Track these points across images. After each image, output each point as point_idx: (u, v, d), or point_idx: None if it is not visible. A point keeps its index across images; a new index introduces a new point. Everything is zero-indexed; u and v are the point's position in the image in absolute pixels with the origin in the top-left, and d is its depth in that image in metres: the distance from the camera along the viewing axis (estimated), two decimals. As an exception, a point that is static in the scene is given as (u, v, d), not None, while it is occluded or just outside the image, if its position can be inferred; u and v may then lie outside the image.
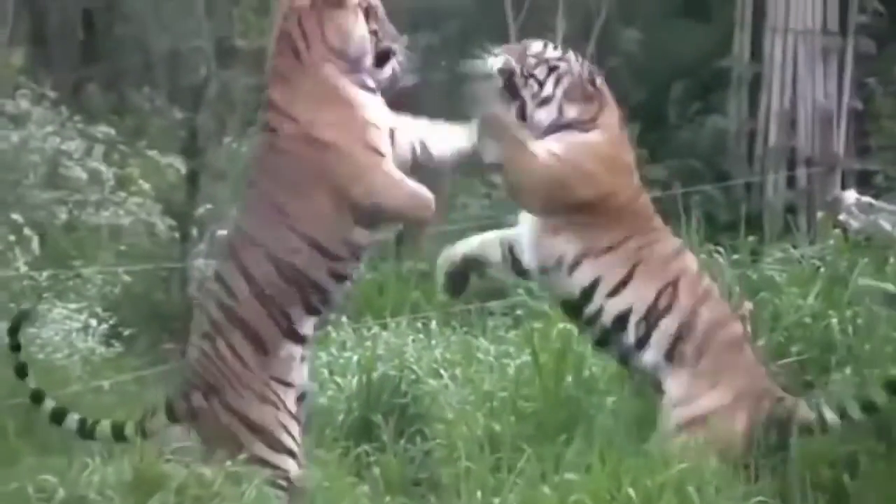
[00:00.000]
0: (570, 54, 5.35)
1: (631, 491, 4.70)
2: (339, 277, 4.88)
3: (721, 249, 6.57)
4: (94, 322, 7.44)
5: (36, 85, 10.46)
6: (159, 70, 12.66)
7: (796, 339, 5.87)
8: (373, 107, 4.93)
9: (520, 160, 5.12)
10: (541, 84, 5.25)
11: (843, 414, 5.08)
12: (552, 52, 5.32)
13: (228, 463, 4.64)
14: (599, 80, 5.34)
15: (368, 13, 5.02)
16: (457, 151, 5.15)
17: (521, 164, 5.12)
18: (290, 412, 4.86)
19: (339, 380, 6.21)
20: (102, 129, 10.10)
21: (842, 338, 5.83)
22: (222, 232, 7.70)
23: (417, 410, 5.82)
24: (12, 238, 8.20)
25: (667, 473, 4.84)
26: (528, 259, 5.26)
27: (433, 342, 6.86)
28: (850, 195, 7.95)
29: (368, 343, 6.46)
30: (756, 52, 12.70)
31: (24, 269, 8.00)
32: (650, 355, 5.16)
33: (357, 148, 4.80)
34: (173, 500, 4.49)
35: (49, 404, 5.06)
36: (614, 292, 5.15)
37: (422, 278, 9.06)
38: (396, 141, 4.96)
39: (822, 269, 6.38)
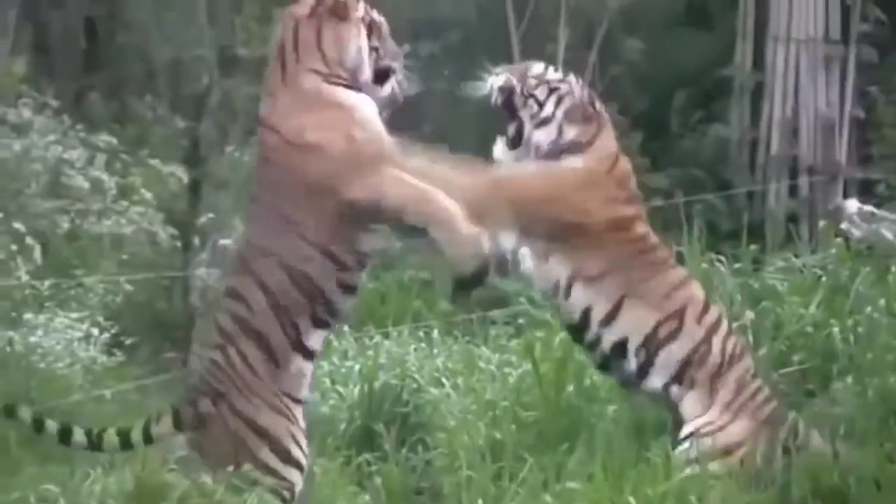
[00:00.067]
0: (571, 77, 5.37)
1: (632, 500, 4.71)
2: (346, 288, 4.87)
3: (723, 258, 6.59)
4: (95, 331, 7.42)
5: (38, 94, 10.44)
6: (161, 79, 12.66)
7: (798, 348, 5.88)
8: (364, 106, 4.91)
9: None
10: (540, 104, 5.26)
11: None
12: (553, 74, 5.34)
13: (230, 469, 4.64)
14: (599, 103, 5.35)
15: (371, 29, 5.01)
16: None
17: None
18: (300, 426, 4.85)
19: (340, 389, 6.22)
20: (104, 138, 10.09)
21: (843, 347, 5.84)
22: (224, 241, 7.71)
23: (419, 419, 5.82)
24: (14, 247, 8.19)
25: (668, 482, 4.84)
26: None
27: (435, 351, 6.86)
28: (852, 204, 7.95)
29: (370, 352, 6.46)
30: (758, 61, 12.71)
31: (25, 278, 7.99)
32: (655, 380, 5.16)
33: (346, 146, 4.78)
34: (175, 510, 4.50)
35: (51, 425, 5.02)
36: (607, 322, 5.16)
37: (423, 287, 9.07)
38: None
39: (823, 279, 6.39)
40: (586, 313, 5.16)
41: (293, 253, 4.79)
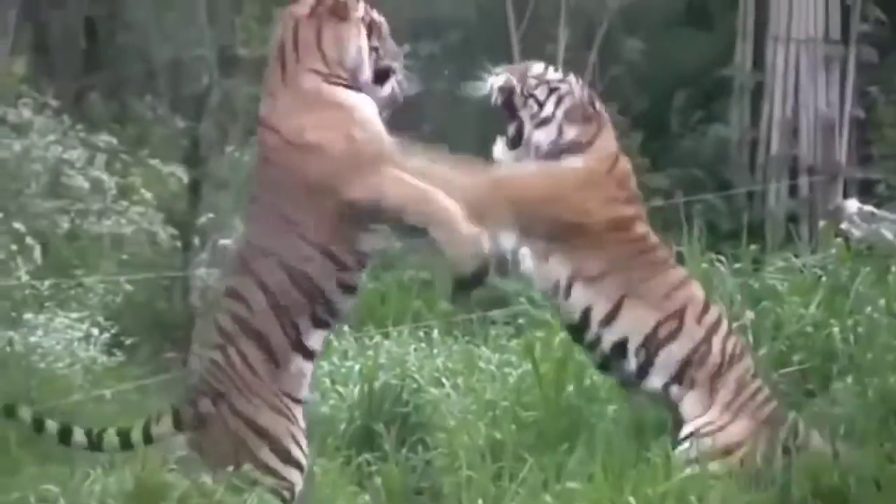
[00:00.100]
0: (571, 77, 5.37)
1: (632, 500, 4.71)
2: (346, 288, 4.86)
3: (723, 258, 6.59)
4: (95, 331, 7.42)
5: (38, 94, 10.44)
6: (161, 79, 12.65)
7: (798, 348, 5.88)
8: (363, 106, 4.91)
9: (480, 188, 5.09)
10: (540, 104, 5.25)
11: None
12: (553, 74, 5.34)
13: (230, 469, 4.64)
14: (599, 103, 5.35)
15: (371, 29, 5.00)
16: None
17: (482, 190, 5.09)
18: (301, 427, 4.85)
19: (340, 389, 6.22)
20: (104, 138, 10.09)
21: (843, 347, 5.84)
22: (224, 241, 7.71)
23: (419, 419, 5.82)
24: (14, 247, 8.19)
25: (668, 482, 4.85)
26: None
27: (435, 351, 6.86)
28: (852, 204, 7.96)
29: (370, 352, 6.46)
30: (758, 61, 12.72)
31: (26, 278, 7.99)
32: (655, 380, 5.16)
33: (346, 146, 4.78)
34: (175, 510, 4.50)
35: (52, 425, 5.01)
36: (607, 322, 5.16)
37: (423, 287, 9.07)
38: None
39: (823, 279, 6.39)
40: (586, 313, 5.16)
41: (293, 253, 4.79)
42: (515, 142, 5.24)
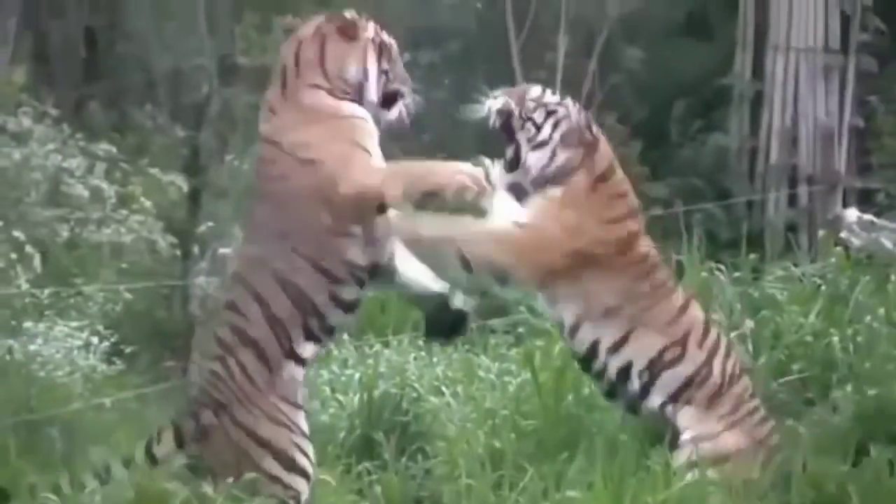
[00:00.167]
0: (568, 100, 5.38)
1: (632, 509, 4.70)
2: (339, 302, 4.85)
3: (722, 267, 6.59)
4: (95, 340, 7.43)
5: (38, 102, 10.45)
6: (161, 88, 12.68)
7: (797, 357, 5.88)
8: (359, 115, 4.90)
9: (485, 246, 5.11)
10: (538, 127, 5.27)
11: None
12: (551, 97, 5.35)
13: (230, 481, 4.64)
14: (595, 127, 5.35)
15: (381, 51, 4.99)
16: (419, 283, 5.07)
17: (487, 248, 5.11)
18: (304, 434, 4.84)
19: (340, 397, 6.22)
20: (104, 147, 10.10)
21: (843, 356, 5.84)
22: (224, 250, 7.71)
23: (419, 428, 5.82)
24: (14, 255, 8.20)
25: (668, 491, 4.85)
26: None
27: (434, 360, 6.86)
28: (852, 213, 7.96)
29: (370, 361, 6.47)
30: (758, 70, 12.73)
31: (25, 286, 8.00)
32: (655, 399, 5.19)
33: (336, 150, 4.78)
34: (175, 519, 4.50)
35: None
36: (614, 350, 5.19)
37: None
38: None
39: (823, 288, 6.40)
40: (594, 346, 5.20)
41: (286, 265, 4.78)
42: (513, 164, 5.24)
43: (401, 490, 5.37)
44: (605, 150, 5.35)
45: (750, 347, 5.88)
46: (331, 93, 4.90)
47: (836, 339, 5.90)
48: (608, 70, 12.74)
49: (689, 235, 6.96)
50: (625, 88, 12.91)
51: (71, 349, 7.16)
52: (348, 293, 4.86)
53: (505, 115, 5.24)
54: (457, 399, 6.21)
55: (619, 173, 5.35)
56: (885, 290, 6.43)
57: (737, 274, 6.61)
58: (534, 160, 5.25)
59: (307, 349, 4.87)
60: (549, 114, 5.29)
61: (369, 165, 4.82)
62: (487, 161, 5.26)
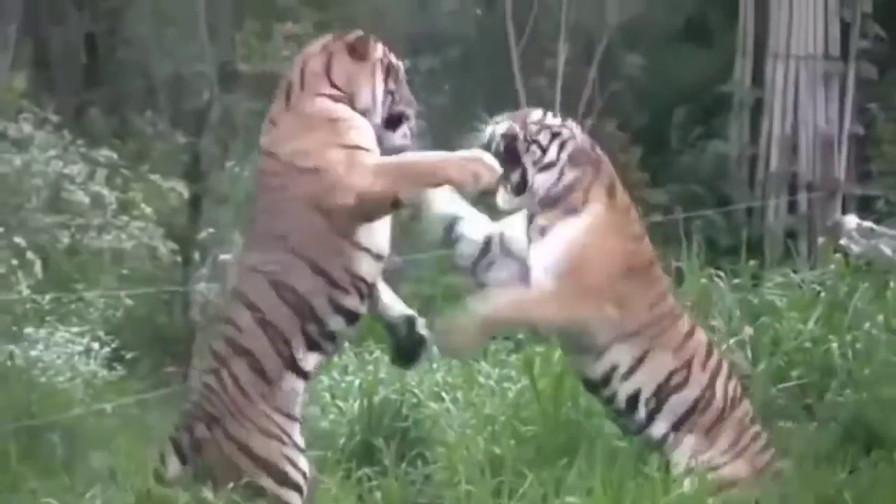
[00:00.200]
0: (570, 121, 5.39)
1: (631, 514, 4.72)
2: (339, 309, 4.83)
3: (722, 274, 6.60)
4: (96, 345, 7.45)
5: (39, 109, 10.50)
6: (162, 94, 12.72)
7: (797, 364, 5.89)
8: (355, 119, 4.91)
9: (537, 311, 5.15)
10: (544, 150, 5.25)
11: None
12: (552, 119, 5.35)
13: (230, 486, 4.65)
14: (597, 147, 5.36)
15: (389, 72, 4.99)
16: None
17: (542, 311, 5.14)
18: (297, 446, 4.81)
19: (340, 403, 6.21)
20: (105, 154, 10.13)
21: (842, 362, 5.85)
22: (224, 256, 7.72)
23: (419, 434, 5.82)
24: (15, 262, 8.23)
25: (667, 497, 4.86)
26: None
27: (434, 366, 6.86)
28: (851, 220, 7.96)
29: (370, 367, 6.46)
30: (758, 78, 12.77)
31: (26, 292, 8.03)
32: (660, 426, 5.19)
33: (332, 156, 4.77)
34: (175, 525, 4.51)
35: None
36: (627, 376, 5.19)
37: (423, 303, 9.07)
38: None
39: (822, 294, 6.40)
40: (612, 370, 5.20)
41: (281, 267, 4.75)
42: (520, 188, 5.19)
43: (401, 496, 5.37)
44: (609, 169, 5.37)
45: (749, 354, 5.88)
46: (333, 99, 4.91)
47: (835, 345, 5.90)
48: (608, 77, 12.77)
49: (688, 242, 6.96)
50: (625, 95, 12.95)
51: (72, 355, 7.19)
52: (349, 301, 4.85)
53: (509, 138, 5.20)
54: (456, 405, 6.21)
55: (623, 192, 5.37)
56: (884, 296, 6.44)
57: (736, 280, 6.61)
58: (541, 181, 5.24)
59: (310, 360, 4.84)
60: (554, 135, 5.28)
61: (373, 165, 4.83)
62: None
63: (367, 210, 4.78)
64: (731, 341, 5.92)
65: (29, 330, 7.37)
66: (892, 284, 6.54)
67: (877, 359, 5.84)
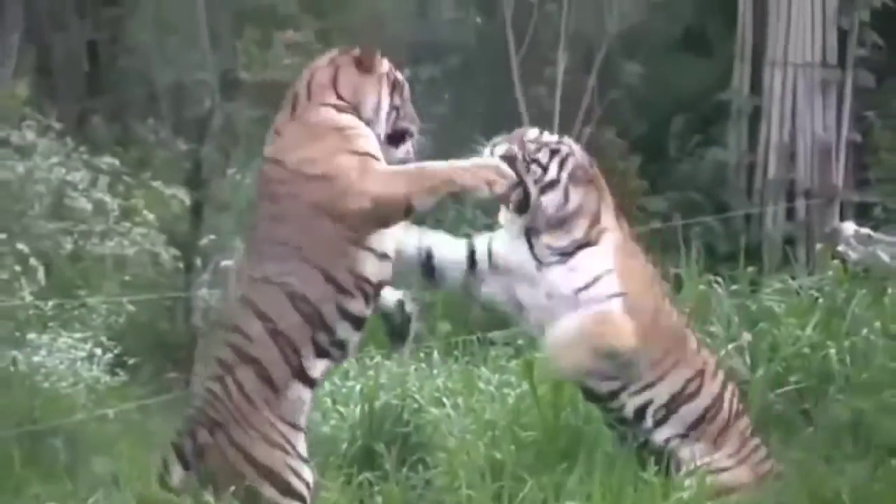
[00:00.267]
0: (566, 138, 5.41)
1: (631, 519, 4.75)
2: (346, 315, 4.84)
3: (720, 280, 6.64)
4: (98, 351, 7.47)
5: (41, 116, 10.52)
6: (164, 102, 12.74)
7: (795, 369, 5.93)
8: (362, 128, 4.95)
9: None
10: (544, 168, 5.25)
11: None
12: (549, 137, 5.35)
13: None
14: (595, 164, 5.38)
15: (394, 87, 5.03)
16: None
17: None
18: (300, 456, 4.82)
19: (342, 409, 6.24)
20: (107, 161, 10.16)
21: (840, 368, 5.89)
22: (226, 262, 7.75)
23: (419, 439, 5.84)
24: (18, 268, 8.25)
25: (666, 502, 4.89)
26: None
27: (435, 372, 6.88)
28: (849, 227, 7.99)
29: (371, 372, 6.48)
30: (756, 86, 12.78)
31: (29, 298, 8.05)
32: (665, 432, 5.22)
33: (343, 162, 4.80)
34: (178, 529, 4.53)
35: None
36: (639, 392, 5.21)
37: (424, 309, 9.09)
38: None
39: (820, 300, 6.44)
40: (621, 389, 5.22)
41: (295, 277, 4.75)
42: (522, 207, 5.20)
43: (402, 500, 5.39)
44: (603, 184, 5.39)
45: (747, 359, 5.93)
46: (338, 109, 4.94)
47: (832, 351, 5.94)
48: (607, 85, 12.79)
49: (687, 248, 7.01)
50: (624, 103, 12.96)
51: (74, 360, 7.21)
52: (355, 306, 4.87)
53: (508, 160, 5.20)
54: (457, 410, 6.23)
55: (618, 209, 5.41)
56: (882, 302, 6.48)
57: (735, 287, 6.65)
58: (547, 201, 5.24)
59: (317, 367, 4.85)
60: (553, 153, 5.29)
61: (387, 171, 4.87)
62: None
63: (383, 215, 4.80)
64: (730, 347, 5.96)
65: (32, 335, 7.39)
66: (889, 290, 6.59)
67: (874, 364, 5.89)
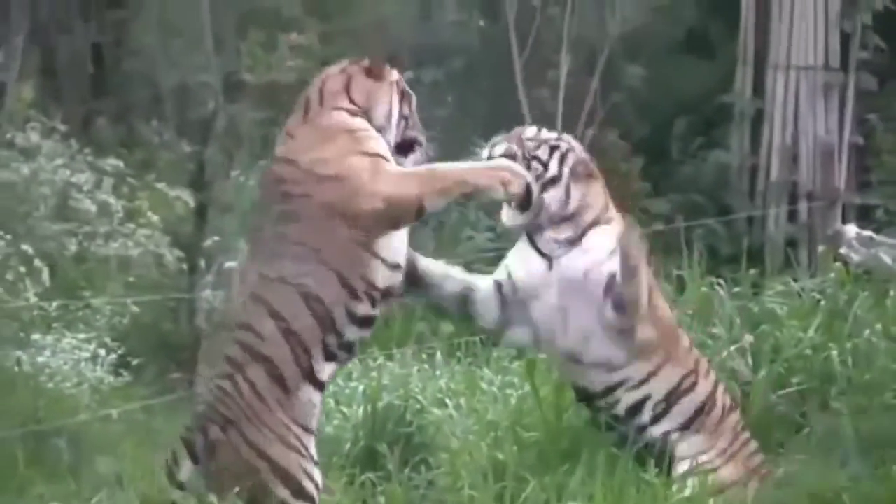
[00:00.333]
0: (565, 135, 5.42)
1: (632, 519, 4.76)
2: (355, 318, 4.86)
3: (722, 282, 6.64)
4: (102, 352, 7.50)
5: (46, 118, 10.56)
6: (168, 104, 12.76)
7: (797, 371, 5.94)
8: (372, 131, 4.98)
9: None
10: (545, 165, 5.26)
11: None
12: (548, 133, 5.36)
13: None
14: (594, 161, 5.39)
15: (403, 96, 5.08)
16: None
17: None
18: (312, 458, 4.85)
19: (345, 409, 6.25)
20: (111, 162, 10.19)
21: (841, 369, 5.90)
22: (230, 264, 7.77)
23: (422, 440, 5.85)
24: (23, 269, 8.27)
25: (667, 503, 4.91)
26: (561, 340, 5.28)
27: (438, 373, 6.90)
28: (851, 229, 8.00)
29: (374, 373, 6.50)
30: (758, 88, 12.80)
31: (34, 299, 8.07)
32: (664, 426, 5.23)
33: (354, 163, 4.83)
34: (182, 529, 4.55)
35: None
36: (636, 387, 5.23)
37: (427, 311, 9.13)
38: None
39: (822, 303, 6.45)
40: (617, 385, 5.24)
41: (312, 278, 4.77)
42: (525, 205, 5.21)
43: (404, 501, 5.40)
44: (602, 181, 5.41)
45: (750, 361, 5.93)
46: (350, 113, 4.98)
47: (834, 352, 5.95)
48: (610, 88, 12.81)
49: (689, 250, 7.01)
50: (626, 106, 12.98)
51: (78, 361, 7.23)
52: (362, 308, 4.88)
53: (508, 158, 5.22)
54: (459, 411, 6.25)
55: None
56: (884, 304, 6.49)
57: (737, 289, 6.66)
58: (550, 198, 5.25)
59: (326, 370, 4.87)
60: (553, 149, 5.29)
61: (399, 172, 4.90)
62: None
63: (395, 215, 4.83)
64: (732, 349, 5.97)
65: (36, 336, 7.41)
66: (891, 293, 6.59)
67: (876, 366, 5.90)
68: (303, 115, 5.00)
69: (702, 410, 5.26)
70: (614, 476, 5.05)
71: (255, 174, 9.86)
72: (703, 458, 5.17)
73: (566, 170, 5.26)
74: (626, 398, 5.22)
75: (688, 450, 5.19)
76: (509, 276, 5.33)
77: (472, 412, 6.21)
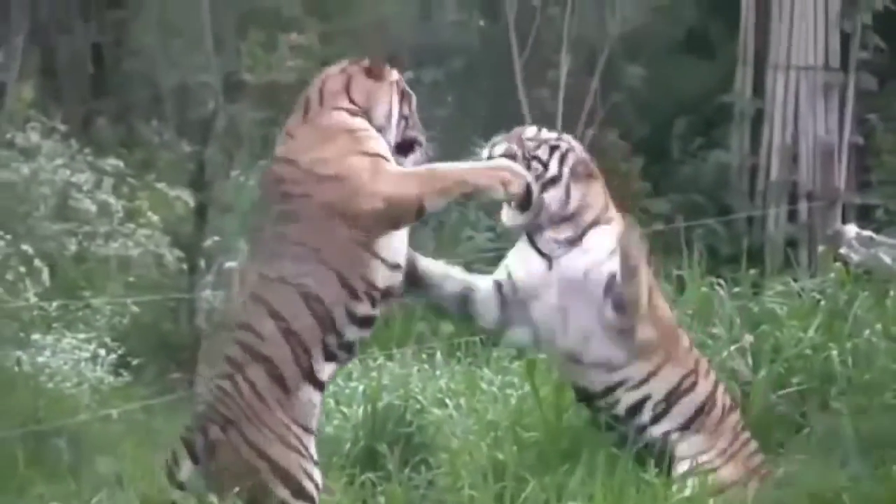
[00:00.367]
0: (565, 135, 5.43)
1: (632, 519, 4.77)
2: (355, 319, 4.86)
3: (722, 282, 6.65)
4: (102, 352, 7.51)
5: (46, 118, 10.57)
6: (168, 104, 12.77)
7: (797, 371, 5.94)
8: (372, 131, 4.98)
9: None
10: (545, 164, 5.27)
11: None
12: (547, 133, 5.37)
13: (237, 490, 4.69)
14: (593, 161, 5.39)
15: (403, 97, 5.09)
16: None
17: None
18: (312, 459, 4.85)
19: (345, 409, 6.26)
20: (112, 162, 10.20)
21: (841, 369, 5.91)
22: (230, 264, 7.77)
23: (422, 440, 5.85)
24: (23, 269, 8.28)
25: (667, 503, 4.91)
26: (561, 340, 5.28)
27: (438, 373, 6.90)
28: (851, 229, 8.01)
29: (374, 373, 6.51)
30: (758, 88, 12.80)
31: (34, 299, 8.08)
32: (664, 426, 5.24)
33: (354, 163, 4.84)
34: (182, 530, 4.55)
35: None
36: (636, 387, 5.23)
37: (427, 311, 9.13)
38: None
39: (822, 303, 6.45)
40: (617, 385, 5.24)
41: (312, 278, 4.77)
42: (525, 205, 5.21)
43: (404, 501, 5.41)
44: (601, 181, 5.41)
45: (750, 361, 5.94)
46: (350, 112, 4.98)
47: (834, 352, 5.96)
48: (610, 88, 12.82)
49: (689, 250, 7.02)
50: (626, 106, 12.99)
51: (78, 361, 7.24)
52: (362, 308, 4.89)
53: (508, 158, 5.22)
54: (459, 411, 6.25)
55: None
56: (884, 304, 6.50)
57: (737, 289, 6.66)
58: (550, 198, 5.25)
59: (326, 370, 4.87)
60: (553, 149, 5.30)
61: (399, 172, 4.91)
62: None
63: (395, 215, 4.84)
64: (732, 349, 5.98)
65: (36, 336, 7.42)
66: (891, 293, 6.60)
67: (876, 366, 5.90)
68: (303, 115, 5.00)
69: (702, 410, 5.27)
70: (614, 476, 5.05)
71: (255, 174, 9.86)
72: (703, 458, 5.17)
73: (566, 170, 5.27)
74: (626, 398, 5.23)
75: (688, 450, 5.20)
76: (509, 276, 5.33)
77: (472, 412, 6.21)
